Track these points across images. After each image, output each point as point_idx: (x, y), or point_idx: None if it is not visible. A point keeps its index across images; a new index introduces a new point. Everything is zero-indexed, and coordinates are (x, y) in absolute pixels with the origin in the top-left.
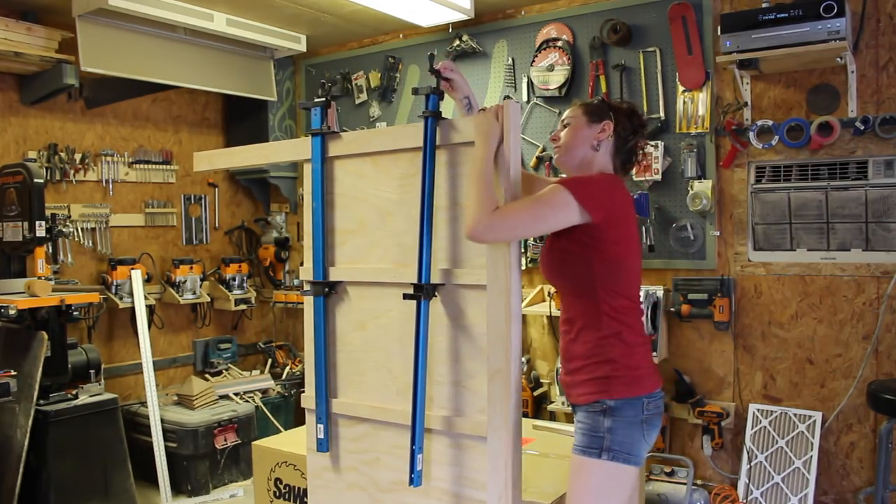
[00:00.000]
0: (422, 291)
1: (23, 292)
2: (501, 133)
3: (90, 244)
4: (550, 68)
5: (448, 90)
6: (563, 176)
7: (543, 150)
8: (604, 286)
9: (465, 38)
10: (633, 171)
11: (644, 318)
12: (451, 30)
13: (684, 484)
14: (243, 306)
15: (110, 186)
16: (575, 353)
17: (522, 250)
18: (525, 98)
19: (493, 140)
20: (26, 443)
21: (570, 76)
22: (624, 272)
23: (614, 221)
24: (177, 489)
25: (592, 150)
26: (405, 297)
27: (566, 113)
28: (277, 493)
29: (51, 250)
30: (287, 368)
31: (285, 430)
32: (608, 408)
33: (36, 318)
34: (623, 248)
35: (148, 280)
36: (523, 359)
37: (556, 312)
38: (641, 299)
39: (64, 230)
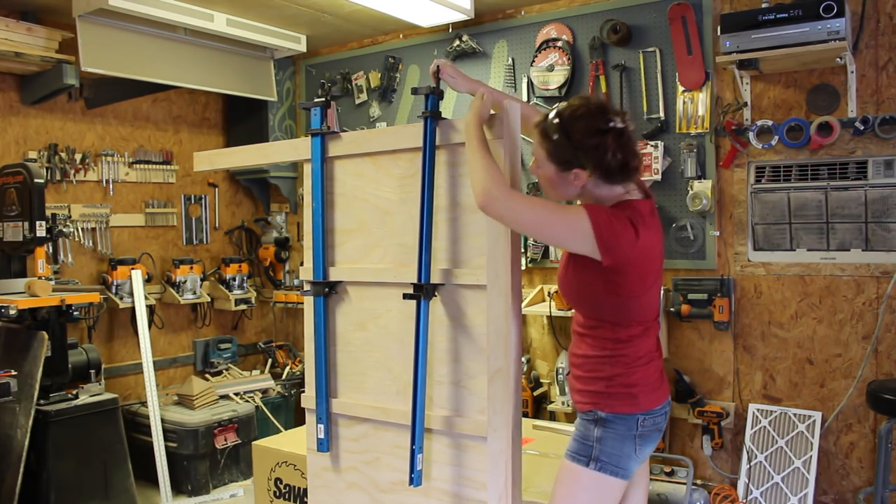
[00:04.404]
0: (422, 291)
1: (23, 292)
2: (489, 107)
3: (90, 244)
4: (550, 68)
5: (454, 84)
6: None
7: None
8: (613, 319)
9: (465, 38)
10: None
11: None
12: (451, 30)
13: (684, 484)
14: (243, 306)
15: (110, 186)
16: (575, 362)
17: (522, 250)
18: (525, 98)
19: (479, 111)
20: (26, 443)
21: (570, 76)
22: (637, 306)
23: (628, 263)
24: (177, 489)
25: (577, 191)
26: (405, 296)
27: (533, 141)
28: (277, 493)
29: (51, 250)
30: (287, 368)
31: (285, 430)
32: (600, 418)
33: (36, 318)
34: (637, 286)
35: (148, 280)
36: (523, 359)
37: (556, 312)
38: None
39: (64, 230)
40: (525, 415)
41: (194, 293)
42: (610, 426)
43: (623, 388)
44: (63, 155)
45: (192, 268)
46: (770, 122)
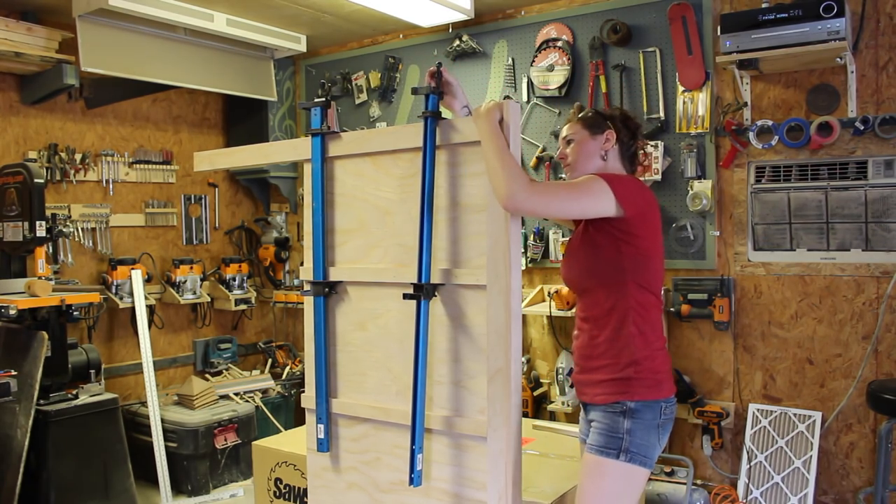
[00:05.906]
0: (422, 291)
1: (23, 292)
2: (501, 113)
3: (90, 244)
4: (550, 68)
5: (447, 100)
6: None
7: (543, 149)
8: (633, 278)
9: (465, 38)
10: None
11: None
12: (451, 30)
13: (684, 484)
14: (243, 306)
15: (110, 186)
16: (596, 352)
17: (522, 250)
18: (525, 98)
19: (492, 116)
20: (26, 443)
21: (570, 76)
22: (651, 267)
23: (644, 218)
24: (177, 489)
25: (602, 161)
26: (405, 296)
27: (564, 130)
28: (277, 493)
29: (51, 250)
30: (287, 368)
31: (285, 430)
32: (628, 409)
33: (36, 318)
34: (650, 244)
35: (148, 280)
36: (523, 359)
37: (556, 312)
38: None
39: (64, 230)
40: (525, 415)
41: (194, 293)
42: (638, 416)
43: (650, 373)
44: (63, 155)
45: (192, 268)
46: (770, 122)
